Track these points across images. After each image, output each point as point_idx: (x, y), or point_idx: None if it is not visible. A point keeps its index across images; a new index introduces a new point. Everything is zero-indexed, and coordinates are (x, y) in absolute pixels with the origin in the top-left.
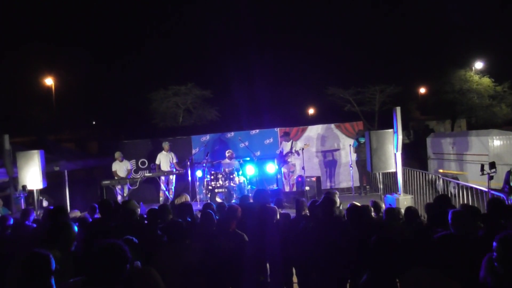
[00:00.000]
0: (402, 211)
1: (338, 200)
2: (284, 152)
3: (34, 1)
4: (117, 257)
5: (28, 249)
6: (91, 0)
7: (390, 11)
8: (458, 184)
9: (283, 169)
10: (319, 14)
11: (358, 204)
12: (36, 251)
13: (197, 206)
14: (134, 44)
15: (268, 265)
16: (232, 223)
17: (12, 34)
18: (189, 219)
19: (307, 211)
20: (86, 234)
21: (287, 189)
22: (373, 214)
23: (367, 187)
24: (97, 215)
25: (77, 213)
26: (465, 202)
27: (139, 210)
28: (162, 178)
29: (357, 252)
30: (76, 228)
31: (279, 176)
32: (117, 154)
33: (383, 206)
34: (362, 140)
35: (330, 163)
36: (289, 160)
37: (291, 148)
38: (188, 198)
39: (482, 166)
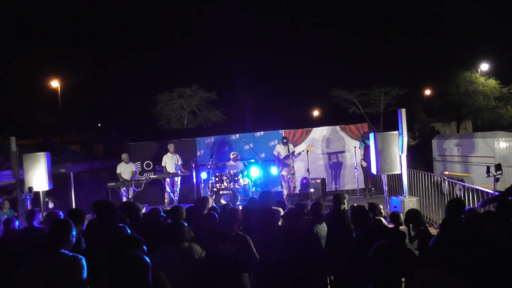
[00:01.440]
0: (402, 216)
1: (345, 203)
2: (283, 156)
3: (40, 5)
4: (141, 267)
5: (37, 250)
6: (97, 4)
7: (395, 12)
8: (463, 186)
9: (283, 172)
10: (324, 16)
11: (355, 205)
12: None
13: None
14: (139, 47)
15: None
16: (234, 225)
17: (18, 38)
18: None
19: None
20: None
21: (285, 192)
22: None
23: (372, 189)
24: None
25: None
26: (471, 204)
27: (142, 211)
28: (167, 180)
29: (360, 255)
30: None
31: (281, 179)
32: (124, 156)
33: (380, 207)
34: (368, 142)
35: (335, 165)
36: (288, 163)
37: (289, 151)
38: (211, 201)
39: (488, 168)
